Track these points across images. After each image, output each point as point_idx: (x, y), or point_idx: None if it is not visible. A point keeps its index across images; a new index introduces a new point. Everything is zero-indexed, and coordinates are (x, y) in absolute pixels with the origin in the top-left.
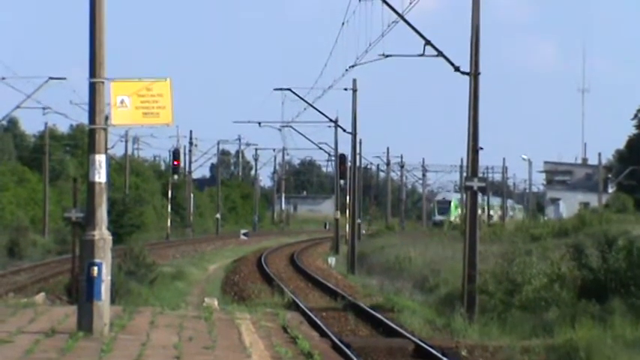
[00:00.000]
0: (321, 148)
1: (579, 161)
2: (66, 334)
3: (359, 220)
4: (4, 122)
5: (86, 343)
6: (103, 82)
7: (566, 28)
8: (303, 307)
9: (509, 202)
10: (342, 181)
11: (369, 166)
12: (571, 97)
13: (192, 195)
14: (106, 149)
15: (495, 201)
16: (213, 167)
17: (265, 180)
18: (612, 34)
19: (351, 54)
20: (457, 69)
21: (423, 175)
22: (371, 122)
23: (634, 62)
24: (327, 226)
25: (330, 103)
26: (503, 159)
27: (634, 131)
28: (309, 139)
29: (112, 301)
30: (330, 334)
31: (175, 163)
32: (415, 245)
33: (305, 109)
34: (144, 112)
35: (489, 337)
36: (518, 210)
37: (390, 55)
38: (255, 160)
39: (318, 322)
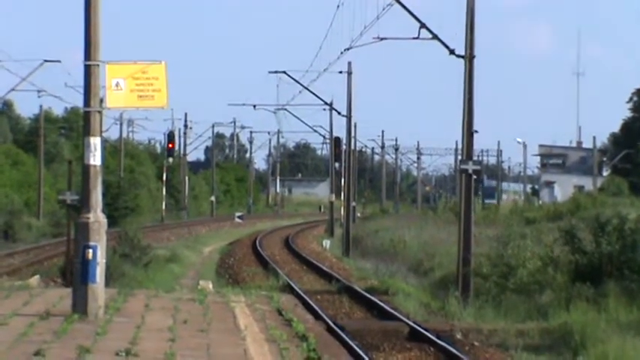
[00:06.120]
0: (316, 131)
1: (574, 144)
2: (61, 317)
3: (354, 203)
4: None
5: (81, 326)
6: (98, 65)
7: (560, 12)
8: (297, 289)
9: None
10: (336, 164)
11: (363, 149)
12: (566, 81)
13: (187, 178)
14: (101, 132)
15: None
16: (208, 150)
17: (260, 163)
18: (607, 18)
19: (346, 37)
20: (452, 52)
21: (418, 158)
22: (366, 105)
23: (628, 46)
24: (322, 209)
25: (325, 86)
26: (498, 142)
27: (629, 114)
28: (304, 122)
29: (107, 284)
30: (324, 316)
31: (170, 145)
32: (410, 228)
33: (300, 92)
34: (139, 95)
35: (484, 320)
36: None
37: (385, 38)
38: (250, 142)
39: (313, 304)
